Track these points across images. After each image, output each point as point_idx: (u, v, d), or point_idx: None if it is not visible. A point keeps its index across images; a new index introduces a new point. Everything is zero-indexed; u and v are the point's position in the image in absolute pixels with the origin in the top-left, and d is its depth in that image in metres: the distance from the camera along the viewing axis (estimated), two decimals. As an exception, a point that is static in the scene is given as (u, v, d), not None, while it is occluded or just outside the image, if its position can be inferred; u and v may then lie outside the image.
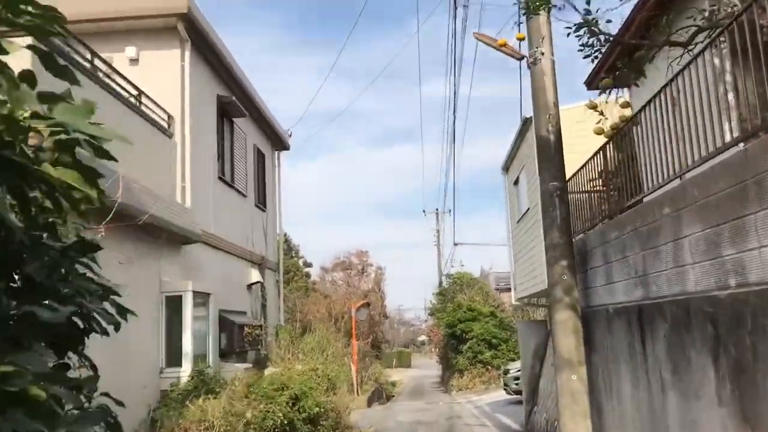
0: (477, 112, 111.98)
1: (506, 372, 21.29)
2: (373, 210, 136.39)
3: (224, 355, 12.27)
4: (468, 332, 28.97)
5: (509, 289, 37.00)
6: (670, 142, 6.77)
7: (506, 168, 15.78)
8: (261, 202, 15.79)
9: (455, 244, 35.29)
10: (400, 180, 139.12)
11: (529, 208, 13.24)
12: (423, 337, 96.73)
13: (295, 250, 51.43)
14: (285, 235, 52.00)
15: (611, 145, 9.00)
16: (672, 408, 6.60)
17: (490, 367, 28.49)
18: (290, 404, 10.04)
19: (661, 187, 7.00)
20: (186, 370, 9.52)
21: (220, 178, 12.72)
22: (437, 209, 45.20)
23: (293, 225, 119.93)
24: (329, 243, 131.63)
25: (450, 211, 42.36)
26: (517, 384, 20.30)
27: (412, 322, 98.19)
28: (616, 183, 8.81)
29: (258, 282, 14.53)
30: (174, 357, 9.57)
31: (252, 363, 13.82)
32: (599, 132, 8.93)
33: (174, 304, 9.68)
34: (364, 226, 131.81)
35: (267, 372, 13.49)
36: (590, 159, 9.59)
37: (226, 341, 12.28)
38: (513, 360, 28.76)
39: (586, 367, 8.99)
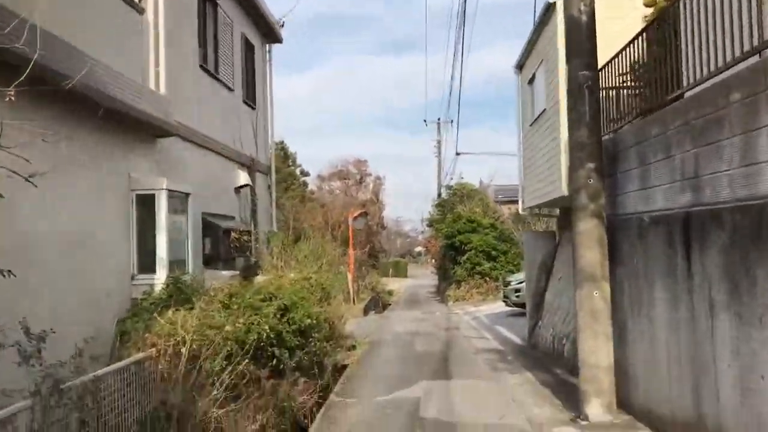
0: (485, 17, 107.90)
1: (507, 284, 20.44)
2: (373, 123, 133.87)
3: (209, 262, 11.19)
4: (467, 243, 28.07)
5: (509, 202, 36.02)
6: (740, 11, 5.38)
7: (520, 66, 14.28)
8: (250, 99, 14.34)
9: (457, 154, 33.89)
10: (402, 92, 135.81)
11: (545, 109, 11.86)
12: (419, 248, 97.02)
13: (291, 158, 50.00)
14: (281, 142, 50.49)
15: (653, 27, 7.57)
16: (723, 334, 5.51)
17: (488, 279, 27.77)
18: (278, 316, 9.00)
19: (728, 68, 5.65)
20: (160, 277, 8.41)
21: (202, 66, 11.24)
22: (439, 119, 43.59)
23: (291, 134, 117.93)
24: (327, 154, 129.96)
25: (452, 121, 40.74)
26: (518, 296, 19.49)
27: (410, 234, 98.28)
28: (658, 73, 7.44)
29: (247, 185, 13.29)
30: (147, 263, 8.44)
31: (240, 271, 12.77)
32: (650, 3, 7.47)
33: (147, 204, 8.46)
34: (363, 139, 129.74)
35: (257, 281, 12.49)
36: (629, 44, 8.17)
37: (210, 247, 11.17)
38: (512, 272, 28.03)
39: (609, 283, 7.93)
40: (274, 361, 8.40)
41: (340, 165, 39.74)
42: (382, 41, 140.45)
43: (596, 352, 7.79)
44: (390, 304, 32.78)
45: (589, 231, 7.89)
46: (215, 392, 6.27)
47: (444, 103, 74.86)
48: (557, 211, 14.71)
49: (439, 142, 43.20)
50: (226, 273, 11.00)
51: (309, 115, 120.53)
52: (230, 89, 12.86)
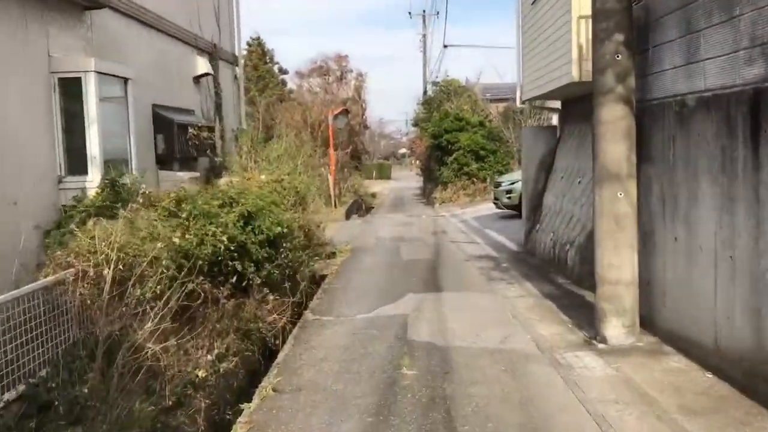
0: None
1: (497, 185, 19.11)
2: (356, 23, 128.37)
3: (163, 161, 9.68)
4: (454, 143, 26.54)
5: (498, 100, 34.20)
6: None
7: (520, -67, 12.34)
8: (210, -26, 12.41)
9: (445, 47, 31.59)
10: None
11: (552, -20, 10.11)
12: (404, 150, 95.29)
13: (269, 55, 47.45)
14: (258, 38, 47.79)
15: None
16: (807, 246, 4.18)
17: (476, 180, 26.44)
18: (241, 224, 7.62)
19: None
20: (93, 179, 6.93)
21: (144, -74, 9.32)
22: (424, 11, 41.00)
23: (269, 33, 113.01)
24: (307, 53, 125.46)
25: (438, 14, 38.20)
26: (509, 198, 18.23)
27: (393, 135, 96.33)
28: None
29: (207, 74, 11.58)
30: (78, 162, 6.93)
31: (204, 172, 11.29)
32: None
33: (73, 91, 6.86)
34: (345, 37, 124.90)
35: (221, 183, 11.06)
36: None
37: (164, 145, 9.63)
38: (502, 173, 26.72)
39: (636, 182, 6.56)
40: (236, 278, 7.06)
41: (319, 61, 37.33)
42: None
43: (619, 266, 6.50)
44: (374, 207, 31.57)
45: (614, 120, 6.43)
46: (152, 321, 4.91)
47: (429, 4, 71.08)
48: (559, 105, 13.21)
49: (424, 36, 40.88)
50: (183, 174, 9.52)
51: (288, 12, 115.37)
52: (183, -41, 10.94)
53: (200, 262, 6.51)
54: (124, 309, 4.87)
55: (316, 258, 11.93)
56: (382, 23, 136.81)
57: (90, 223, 5.37)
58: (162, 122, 9.39)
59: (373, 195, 35.92)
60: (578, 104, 11.58)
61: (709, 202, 5.43)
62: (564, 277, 9.97)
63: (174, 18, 10.30)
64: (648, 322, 6.65)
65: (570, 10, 9.13)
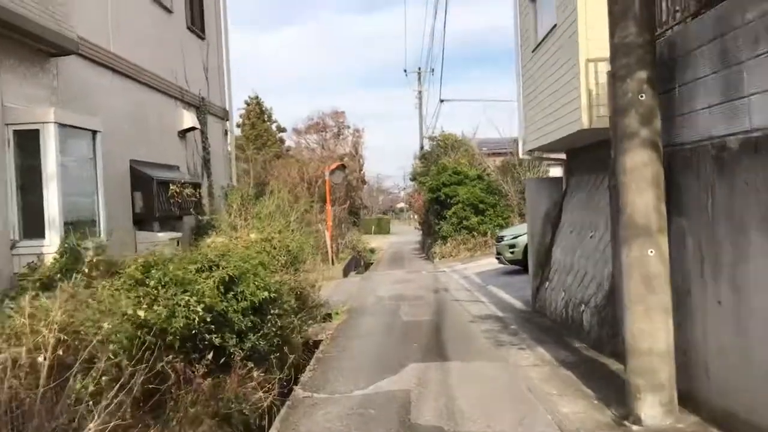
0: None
1: (500, 239, 18.24)
2: (352, 82, 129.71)
3: (142, 222, 8.82)
4: (453, 197, 25.81)
5: (495, 154, 33.68)
6: None
7: (518, -19, 11.81)
8: (197, 27, 11.78)
9: (441, 101, 31.02)
10: (380, 51, 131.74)
11: (556, 24, 9.46)
12: (402, 204, 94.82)
13: (267, 114, 47.36)
14: (257, 97, 47.77)
15: None
16: None
17: (476, 234, 25.62)
18: (221, 290, 6.71)
19: None
20: (51, 243, 6.05)
21: (122, -27, 8.69)
22: (419, 68, 40.88)
23: (268, 92, 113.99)
24: (305, 111, 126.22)
25: (433, 70, 38.06)
26: (512, 253, 17.34)
27: (391, 190, 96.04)
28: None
29: (193, 128, 10.83)
30: (34, 225, 6.08)
31: (189, 232, 10.42)
32: None
33: (30, 145, 6.05)
34: (342, 97, 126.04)
35: (208, 242, 10.16)
36: None
37: (143, 204, 8.78)
38: (502, 226, 25.92)
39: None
40: (213, 353, 6.10)
41: (316, 117, 37.02)
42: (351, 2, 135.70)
43: (652, 334, 5.59)
44: (372, 263, 30.67)
45: (640, 168, 5.61)
46: (99, 417, 3.94)
47: (424, 57, 71.73)
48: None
49: (420, 92, 40.62)
50: (163, 235, 8.65)
51: (287, 73, 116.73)
52: (167, 10, 10.31)
53: (170, 338, 5.57)
54: (66, 403, 3.92)
55: (311, 322, 10.99)
56: (378, 82, 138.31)
57: (24, 299, 4.43)
58: (140, 179, 8.58)
59: (372, 250, 35.03)
60: (585, 154, 10.83)
61: (764, 260, 4.55)
62: (580, 341, 9.01)
63: (156, 69, 9.61)
64: (687, 398, 5.69)
65: (577, 54, 8.47)
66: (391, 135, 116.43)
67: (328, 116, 36.27)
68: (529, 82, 11.67)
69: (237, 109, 47.17)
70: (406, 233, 59.17)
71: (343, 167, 24.10)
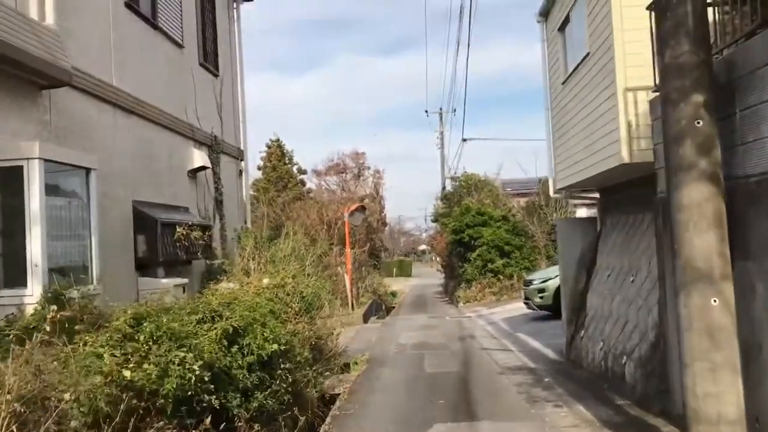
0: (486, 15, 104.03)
1: (528, 283, 17.38)
2: (373, 124, 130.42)
3: (144, 267, 8.21)
4: (477, 238, 25.02)
5: (518, 195, 32.90)
6: None
7: (545, 12, 11.25)
8: (210, 63, 11.35)
9: (464, 140, 30.38)
10: (399, 94, 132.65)
11: (588, 53, 8.83)
12: (423, 247, 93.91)
13: (289, 156, 47.14)
14: (278, 140, 47.69)
15: None
16: None
17: (501, 277, 24.72)
18: (224, 344, 6.03)
19: None
20: (33, 293, 5.43)
21: (128, 4, 8.23)
22: (441, 109, 40.56)
23: (289, 136, 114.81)
24: (325, 153, 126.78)
25: (455, 111, 37.69)
26: (542, 298, 16.47)
27: (413, 232, 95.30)
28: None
29: (204, 168, 10.29)
30: (16, 272, 5.47)
31: (199, 277, 9.79)
32: None
33: (14, 183, 5.48)
34: (363, 139, 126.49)
35: (221, 287, 9.53)
36: None
37: (146, 247, 8.17)
38: (528, 269, 25.01)
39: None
40: (209, 418, 5.37)
41: (336, 158, 36.60)
42: (377, 42, 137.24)
43: (719, 397, 4.78)
44: (394, 307, 29.82)
45: (699, 204, 4.88)
46: None
47: (445, 98, 71.80)
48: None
49: (441, 133, 40.25)
50: (167, 281, 8.02)
51: (309, 117, 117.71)
52: (178, 44, 9.87)
53: (162, 401, 4.88)
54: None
55: (327, 373, 10.26)
56: (400, 124, 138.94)
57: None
58: (144, 221, 8.00)
59: (393, 294, 34.18)
60: (622, 192, 10.09)
61: None
62: (623, 397, 8.13)
63: (165, 106, 9.12)
64: (763, 474, 4.84)
65: (614, 83, 7.82)
66: (413, 177, 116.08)
67: (348, 157, 35.91)
68: (560, 116, 11.02)
69: (259, 152, 47.14)
70: (428, 276, 58.20)
71: (363, 208, 23.50)
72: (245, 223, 12.42)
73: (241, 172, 12.45)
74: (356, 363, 11.90)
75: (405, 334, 16.44)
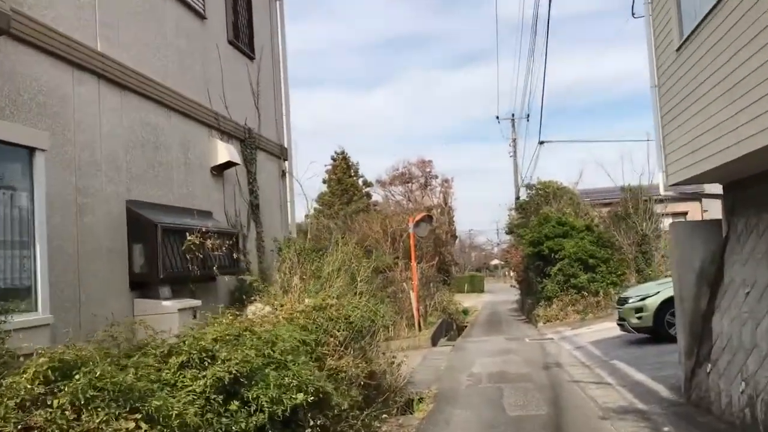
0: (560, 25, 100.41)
1: (622, 301, 14.86)
2: (442, 139, 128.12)
3: (144, 285, 6.42)
4: (558, 251, 22.52)
5: (601, 204, 30.03)
6: None
7: (649, -35, 9.01)
8: (244, 43, 9.62)
9: (540, 143, 27.71)
10: (471, 107, 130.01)
11: (718, 1, 6.57)
12: (496, 261, 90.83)
13: (354, 169, 45.69)
14: (343, 152, 46.32)
15: None
16: None
17: (585, 293, 22.10)
18: (215, 400, 4.13)
19: None
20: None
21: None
22: (513, 114, 38.08)
23: (358, 151, 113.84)
24: (391, 164, 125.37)
25: (528, 116, 35.23)
26: (640, 318, 13.96)
27: (484, 246, 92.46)
28: None
29: (232, 164, 8.51)
30: None
31: (227, 296, 7.99)
32: None
33: None
34: (430, 153, 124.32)
35: (249, 312, 7.74)
36: None
37: (144, 260, 6.38)
38: (615, 284, 22.32)
39: None
40: None
41: (401, 167, 34.57)
42: (446, 56, 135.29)
43: None
44: (466, 327, 27.55)
45: None
46: None
47: (518, 106, 68.77)
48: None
49: (514, 140, 37.74)
50: (170, 304, 6.23)
51: (378, 132, 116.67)
52: (197, 14, 8.14)
53: None
54: None
55: (384, 416, 8.27)
56: (469, 137, 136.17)
57: None
58: (139, 226, 6.24)
59: (465, 312, 31.89)
60: (761, 184, 7.72)
61: None
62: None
63: (176, 85, 7.40)
64: None
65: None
66: (484, 189, 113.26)
67: (414, 166, 33.89)
68: (673, 92, 8.72)
69: (324, 165, 45.85)
70: (502, 292, 55.50)
71: (429, 218, 21.43)
72: (289, 232, 10.59)
73: (284, 173, 10.66)
74: (421, 400, 9.89)
75: (479, 361, 14.26)
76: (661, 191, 9.15)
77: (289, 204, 10.75)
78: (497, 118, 38.05)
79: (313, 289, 7.98)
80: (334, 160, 45.13)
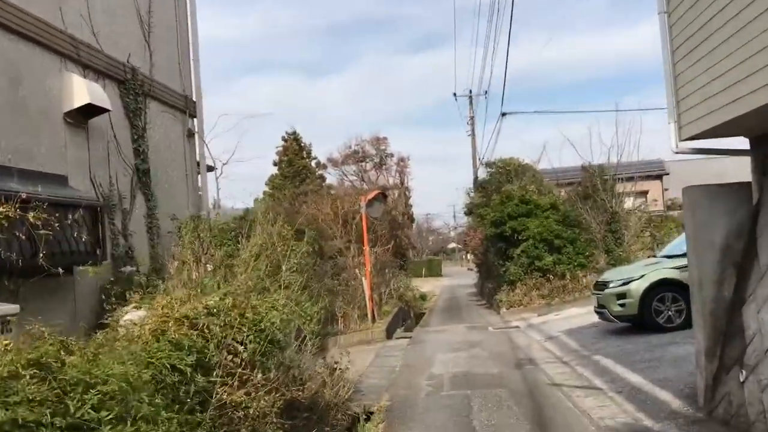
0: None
1: (601, 285, 12.80)
2: (399, 123, 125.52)
3: None
4: (521, 231, 20.49)
5: (560, 185, 28.07)
6: None
7: None
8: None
9: (503, 114, 25.41)
10: (429, 93, 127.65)
11: None
12: (453, 245, 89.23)
13: (307, 150, 43.05)
14: (294, 132, 43.59)
15: None
16: None
17: (551, 277, 20.15)
18: None
19: None
20: None
21: None
22: (470, 91, 35.96)
23: (312, 136, 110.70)
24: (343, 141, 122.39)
25: (486, 93, 33.08)
26: (623, 305, 11.94)
27: (441, 230, 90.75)
28: None
29: (97, 109, 6.03)
30: None
31: (98, 295, 5.56)
32: None
33: None
34: (390, 138, 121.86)
35: (125, 319, 5.35)
36: None
37: None
38: (582, 266, 20.43)
39: None
40: None
41: (354, 144, 31.94)
42: (405, 40, 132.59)
43: None
44: (424, 313, 25.46)
45: None
46: None
47: (477, 86, 66.68)
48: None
49: (472, 117, 35.68)
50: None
51: (334, 118, 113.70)
52: None
53: None
54: None
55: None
56: (425, 122, 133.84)
57: None
58: None
59: (423, 297, 29.83)
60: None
61: None
62: None
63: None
64: None
65: None
66: (441, 174, 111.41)
67: (367, 143, 31.34)
68: (689, 17, 6.55)
69: (275, 147, 43.06)
70: (459, 275, 53.78)
71: (383, 196, 19.12)
72: (200, 209, 8.14)
73: (192, 133, 8.18)
74: (369, 417, 7.70)
75: (440, 357, 12.08)
76: (673, 148, 6.96)
77: (200, 175, 8.31)
78: (454, 95, 35.85)
79: (210, 283, 5.60)
80: (285, 140, 42.46)
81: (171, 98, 7.87)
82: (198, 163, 8.25)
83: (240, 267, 6.71)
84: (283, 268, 6.71)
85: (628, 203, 24.27)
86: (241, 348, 4.91)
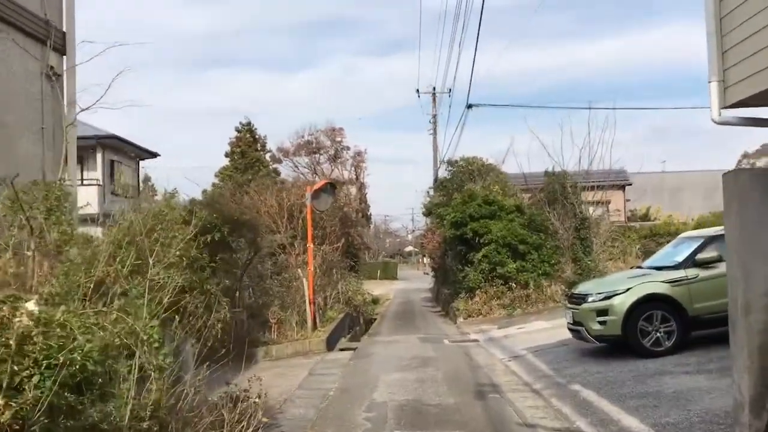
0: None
1: (578, 299, 10.75)
2: (362, 125, 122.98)
3: None
4: (483, 234, 18.50)
5: (523, 191, 26.20)
6: None
7: None
8: None
9: (468, 107, 23.14)
10: (394, 96, 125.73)
11: None
12: (410, 248, 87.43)
13: (261, 142, 40.50)
14: (249, 123, 40.99)
15: None
16: None
17: (513, 285, 18.20)
18: None
19: None
20: None
21: None
22: (434, 88, 33.94)
23: (273, 136, 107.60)
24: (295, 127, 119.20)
25: (450, 90, 31.07)
26: (603, 323, 9.91)
27: (398, 233, 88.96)
28: None
29: None
30: None
31: None
32: None
33: None
34: (350, 136, 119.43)
35: None
36: None
37: None
38: (547, 274, 18.53)
39: None
40: None
41: (307, 134, 29.48)
42: (370, 42, 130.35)
43: None
44: (375, 319, 23.33)
45: None
46: None
47: (441, 79, 64.68)
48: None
49: (434, 115, 33.69)
50: None
51: (297, 117, 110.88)
52: None
53: None
54: None
55: None
56: (387, 126, 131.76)
57: None
58: None
59: (375, 301, 27.68)
60: None
61: None
62: None
63: None
64: None
65: None
66: (400, 177, 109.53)
67: (322, 133, 28.97)
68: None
69: (228, 138, 40.46)
70: (415, 279, 51.95)
71: (332, 187, 16.85)
72: (62, 174, 5.79)
73: (52, 71, 5.83)
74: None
75: (385, 379, 9.91)
76: (715, 114, 4.93)
77: (65, 130, 5.97)
78: (417, 91, 33.82)
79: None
80: (238, 131, 39.85)
81: (19, 19, 5.54)
82: (58, 110, 5.91)
83: (89, 257, 4.42)
84: (151, 262, 4.44)
85: (590, 212, 22.55)
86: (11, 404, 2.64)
